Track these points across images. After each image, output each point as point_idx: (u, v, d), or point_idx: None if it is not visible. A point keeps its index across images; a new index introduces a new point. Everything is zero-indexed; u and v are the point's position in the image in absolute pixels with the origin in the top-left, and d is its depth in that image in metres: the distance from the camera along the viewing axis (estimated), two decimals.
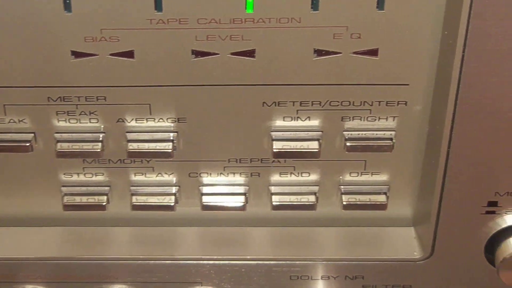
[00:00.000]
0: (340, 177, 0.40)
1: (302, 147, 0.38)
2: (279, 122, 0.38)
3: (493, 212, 0.38)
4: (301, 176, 0.40)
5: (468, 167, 0.37)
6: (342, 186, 0.40)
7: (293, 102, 0.37)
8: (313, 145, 0.38)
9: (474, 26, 0.32)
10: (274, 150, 0.38)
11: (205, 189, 0.41)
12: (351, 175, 0.39)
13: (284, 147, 0.38)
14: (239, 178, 0.40)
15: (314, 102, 0.37)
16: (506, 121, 0.35)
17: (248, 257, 0.41)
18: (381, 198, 0.39)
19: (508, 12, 0.32)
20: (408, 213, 0.41)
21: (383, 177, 0.40)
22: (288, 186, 0.40)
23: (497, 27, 0.32)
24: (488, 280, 0.40)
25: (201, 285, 0.42)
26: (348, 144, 0.38)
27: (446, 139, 0.36)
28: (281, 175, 0.40)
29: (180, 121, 0.38)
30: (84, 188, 0.41)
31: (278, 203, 0.40)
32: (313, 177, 0.40)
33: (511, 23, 0.32)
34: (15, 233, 0.42)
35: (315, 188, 0.40)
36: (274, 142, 0.38)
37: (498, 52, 0.33)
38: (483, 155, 0.36)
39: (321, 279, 0.41)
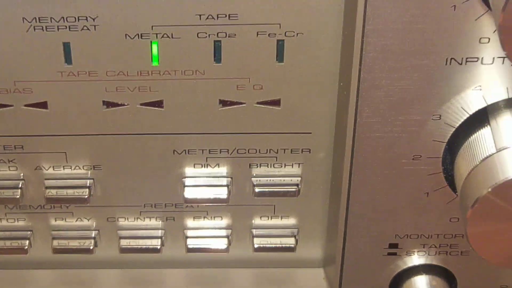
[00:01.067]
0: (252, 220, 0.40)
1: (211, 194, 0.38)
2: (189, 169, 0.38)
3: (394, 254, 0.38)
4: (214, 219, 0.40)
5: (367, 211, 0.37)
6: (253, 230, 0.40)
7: (202, 150, 0.38)
8: (223, 191, 0.38)
9: (365, 78, 0.33)
10: (186, 197, 0.38)
11: (123, 233, 0.40)
12: (262, 218, 0.40)
13: (195, 194, 0.38)
14: (155, 222, 0.40)
15: (222, 150, 0.38)
16: (400, 168, 0.35)
17: None
18: (291, 241, 0.40)
19: (394, 65, 0.33)
20: (318, 254, 0.41)
21: (291, 221, 0.40)
22: (201, 229, 0.40)
23: (386, 79, 0.33)
24: None
25: None
26: (256, 190, 0.38)
27: (345, 185, 0.37)
28: (195, 219, 0.40)
29: (95, 168, 0.38)
30: (7, 233, 0.40)
31: (192, 246, 0.40)
32: (225, 221, 0.40)
33: (398, 75, 0.33)
34: None
35: (228, 232, 0.40)
36: (185, 188, 0.38)
37: (388, 102, 0.34)
38: (381, 200, 0.37)
39: None
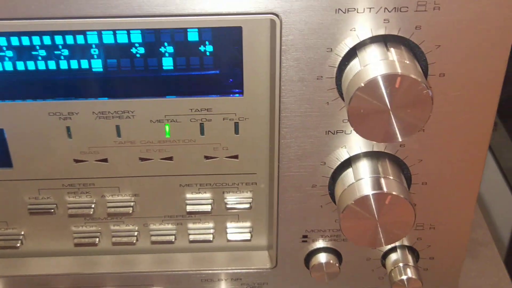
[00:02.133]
0: (225, 224, 0.43)
1: (201, 209, 0.42)
2: (189, 195, 0.41)
3: (306, 241, 0.42)
4: (204, 223, 0.43)
5: (289, 218, 0.41)
6: (227, 229, 0.43)
7: (196, 184, 0.41)
8: (208, 207, 0.42)
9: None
10: (188, 211, 0.41)
11: (152, 233, 0.43)
12: (231, 222, 0.43)
13: (193, 209, 0.42)
14: (171, 226, 0.43)
15: (207, 184, 0.41)
16: (306, 194, 0.40)
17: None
18: (247, 236, 0.43)
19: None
20: (264, 243, 0.44)
21: (248, 223, 0.43)
22: (197, 229, 0.43)
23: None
24: (310, 277, 0.43)
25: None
26: (227, 206, 0.42)
27: (275, 204, 0.41)
28: (194, 223, 0.43)
29: (136, 195, 0.41)
30: (85, 234, 0.43)
31: (193, 239, 0.43)
32: (211, 224, 0.43)
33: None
34: None
35: (212, 231, 0.43)
36: (187, 206, 0.41)
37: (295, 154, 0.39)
38: (296, 211, 0.41)
39: (218, 280, 0.44)
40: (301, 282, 0.45)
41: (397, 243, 0.43)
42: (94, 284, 0.44)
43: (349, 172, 0.39)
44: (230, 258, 0.45)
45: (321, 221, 0.42)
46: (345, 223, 0.37)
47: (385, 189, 0.36)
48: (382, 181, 0.37)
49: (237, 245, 0.45)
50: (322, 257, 0.42)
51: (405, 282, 0.41)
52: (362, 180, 0.37)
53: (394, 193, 0.36)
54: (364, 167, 0.38)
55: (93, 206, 0.42)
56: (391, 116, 0.33)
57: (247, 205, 0.42)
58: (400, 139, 0.33)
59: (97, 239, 0.43)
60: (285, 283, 0.45)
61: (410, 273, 0.42)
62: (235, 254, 0.45)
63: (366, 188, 0.36)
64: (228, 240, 0.44)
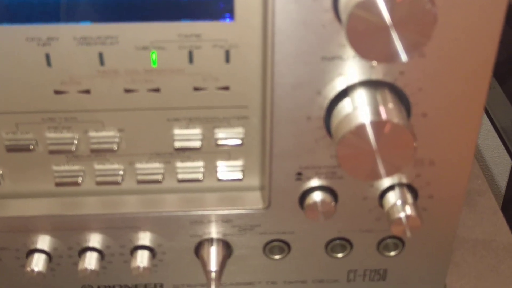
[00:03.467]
0: (216, 162, 0.42)
1: (191, 145, 0.41)
2: (178, 130, 0.40)
3: (300, 179, 0.42)
4: (194, 162, 0.42)
5: (282, 156, 0.40)
6: (217, 168, 0.43)
7: (186, 118, 0.40)
8: (198, 144, 0.41)
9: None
10: (175, 146, 0.41)
11: (138, 171, 0.42)
12: (222, 160, 0.43)
13: (182, 145, 0.41)
14: (159, 164, 0.42)
15: (198, 118, 0.40)
16: (301, 126, 0.39)
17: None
18: (239, 174, 0.43)
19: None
20: (257, 183, 0.44)
21: (240, 162, 0.42)
22: (187, 168, 0.42)
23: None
24: (304, 219, 0.43)
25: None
26: (218, 142, 0.41)
27: (269, 139, 0.40)
28: (183, 162, 0.42)
29: (121, 131, 0.40)
30: (68, 173, 0.42)
31: (181, 178, 0.42)
32: (201, 163, 0.42)
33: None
34: None
35: (202, 169, 0.42)
36: (175, 142, 0.41)
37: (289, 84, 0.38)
38: (290, 147, 0.40)
39: (208, 222, 0.43)
40: (295, 223, 0.44)
41: (395, 181, 0.43)
42: (77, 226, 0.43)
43: (346, 102, 0.38)
44: (221, 198, 0.44)
45: (316, 157, 0.41)
46: (342, 155, 0.36)
47: (383, 117, 0.35)
48: (381, 109, 0.36)
49: (228, 185, 0.44)
50: (317, 196, 0.42)
51: (403, 220, 0.41)
52: (359, 108, 0.36)
53: (393, 120, 0.36)
54: (361, 96, 0.37)
55: (75, 142, 0.41)
56: (392, 33, 0.32)
57: (239, 141, 0.41)
58: (403, 59, 0.32)
59: (80, 178, 0.42)
60: (278, 224, 0.44)
61: (408, 210, 0.41)
62: (226, 195, 0.44)
63: (364, 116, 0.35)
64: (219, 180, 0.43)
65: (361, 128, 0.35)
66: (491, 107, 0.90)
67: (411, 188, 0.43)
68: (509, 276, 0.53)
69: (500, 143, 0.88)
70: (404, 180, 0.42)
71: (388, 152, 0.37)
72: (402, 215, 0.41)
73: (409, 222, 0.41)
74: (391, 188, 0.42)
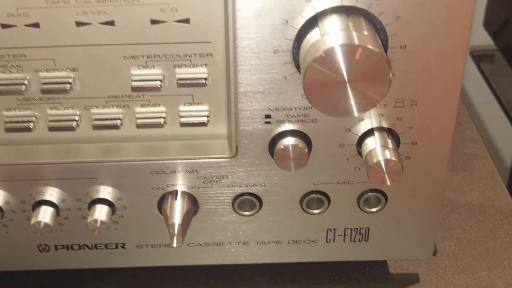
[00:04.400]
0: (178, 107, 0.40)
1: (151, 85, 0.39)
2: (135, 71, 0.38)
3: (269, 122, 0.39)
4: (154, 106, 0.40)
5: (249, 96, 0.38)
6: (180, 112, 0.40)
7: (143, 56, 0.38)
8: (157, 83, 0.38)
9: None
10: (133, 86, 0.38)
11: (94, 116, 0.39)
12: (185, 105, 0.40)
13: (141, 84, 0.38)
14: (117, 109, 0.39)
15: (155, 56, 0.37)
16: (266, 61, 0.36)
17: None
18: (204, 119, 0.40)
19: None
20: (224, 131, 0.41)
21: (205, 106, 0.40)
22: (146, 113, 0.39)
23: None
24: (274, 164, 0.40)
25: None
26: (179, 82, 0.38)
27: (234, 79, 0.37)
28: (142, 107, 0.40)
29: (75, 70, 0.38)
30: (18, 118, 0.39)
31: (141, 123, 0.39)
32: (162, 108, 0.39)
33: None
34: None
35: (163, 114, 0.40)
36: (133, 82, 0.38)
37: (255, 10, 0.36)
38: (257, 86, 0.37)
39: (170, 172, 0.41)
40: (265, 174, 0.41)
41: (374, 124, 0.40)
42: (30, 176, 0.41)
43: (315, 30, 0.35)
44: (184, 147, 0.41)
45: (286, 97, 0.38)
46: (309, 86, 0.34)
47: (356, 41, 0.33)
48: (353, 34, 0.33)
49: (192, 133, 0.41)
50: (288, 141, 0.39)
51: (382, 164, 0.38)
52: (329, 34, 0.33)
53: (366, 45, 0.33)
54: (333, 24, 0.34)
55: (25, 82, 0.38)
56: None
57: (202, 81, 0.38)
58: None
59: (32, 124, 0.40)
60: (247, 175, 0.41)
61: (388, 154, 0.38)
62: (190, 143, 0.41)
63: (334, 41, 0.33)
64: (182, 124, 0.40)
65: (329, 53, 0.32)
66: (496, 83, 0.88)
67: (392, 134, 0.40)
68: (508, 241, 0.49)
69: (506, 119, 0.86)
70: (385, 124, 0.39)
71: (360, 82, 0.34)
72: (380, 158, 0.38)
73: (389, 168, 0.38)
74: (370, 133, 0.40)
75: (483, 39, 0.91)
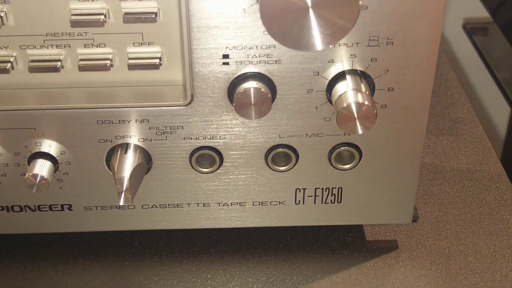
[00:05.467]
0: (127, 48, 0.36)
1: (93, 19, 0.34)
2: (74, 4, 0.34)
3: (227, 63, 0.35)
4: (99, 47, 0.36)
5: (203, 31, 0.34)
6: (128, 54, 0.36)
7: None
8: (101, 17, 0.34)
9: None
10: (72, 20, 0.34)
11: (31, 58, 0.35)
12: (134, 46, 0.36)
13: (80, 19, 0.34)
14: (57, 50, 0.36)
15: None
16: None
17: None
18: (155, 61, 0.36)
19: None
20: (179, 77, 0.37)
21: (157, 48, 0.36)
22: (90, 54, 0.36)
23: None
24: (235, 113, 0.36)
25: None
26: (126, 17, 0.34)
27: (186, 10, 0.33)
28: (85, 47, 0.36)
29: (6, 2, 0.34)
30: None
31: (83, 64, 0.35)
32: (108, 49, 0.35)
33: None
34: None
35: (110, 56, 0.36)
36: (72, 16, 0.34)
37: None
38: (212, 21, 0.34)
39: (119, 123, 0.37)
40: (225, 125, 0.37)
41: (345, 67, 0.35)
42: None
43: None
44: (134, 93, 0.37)
45: (246, 33, 0.34)
46: (267, 13, 0.30)
47: None
48: None
49: (143, 78, 0.37)
50: (249, 85, 0.35)
51: (353, 108, 0.34)
52: None
53: None
54: None
55: None
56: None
57: (152, 16, 0.34)
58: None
59: None
60: (205, 126, 0.37)
61: (360, 98, 0.34)
62: (141, 90, 0.37)
63: None
64: (130, 67, 0.36)
65: None
66: (489, 56, 0.85)
67: (366, 78, 0.36)
68: (495, 207, 0.46)
69: (499, 91, 0.83)
70: (357, 66, 0.35)
71: (325, 7, 0.30)
72: (351, 101, 0.33)
73: (360, 113, 0.34)
74: (341, 77, 0.36)
75: (476, 11, 0.88)
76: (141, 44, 0.36)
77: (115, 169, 0.37)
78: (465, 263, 0.41)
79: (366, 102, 0.34)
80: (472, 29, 0.93)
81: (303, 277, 0.41)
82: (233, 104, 0.35)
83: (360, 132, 0.34)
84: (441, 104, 0.57)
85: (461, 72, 0.86)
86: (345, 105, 0.34)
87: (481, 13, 0.86)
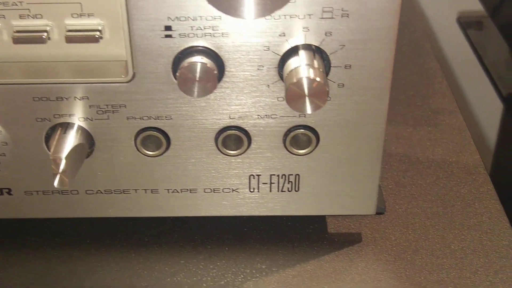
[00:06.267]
0: (64, 20, 0.33)
1: None
2: None
3: (170, 36, 0.33)
4: (36, 18, 0.33)
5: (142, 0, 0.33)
6: (66, 27, 0.33)
7: None
8: None
9: None
10: None
11: None
12: (72, 17, 0.33)
13: None
14: None
15: None
16: None
17: None
18: (97, 33, 0.33)
19: None
20: (122, 52, 0.34)
21: (97, 20, 0.33)
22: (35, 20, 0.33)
23: None
24: (183, 95, 0.34)
25: None
26: None
27: None
28: (21, 18, 0.33)
29: None
30: None
31: (17, 37, 0.33)
32: (44, 21, 0.33)
33: None
34: None
35: (45, 28, 0.33)
36: None
37: None
38: None
39: (57, 100, 0.34)
40: (170, 104, 0.35)
41: (298, 42, 0.33)
42: None
43: None
44: (73, 68, 0.34)
45: (188, 2, 0.31)
46: None
47: None
48: None
49: (84, 53, 0.34)
50: (196, 59, 0.32)
51: (303, 84, 0.31)
52: None
53: None
54: None
55: None
56: None
57: None
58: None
59: None
60: (149, 105, 0.35)
61: (312, 73, 0.31)
62: (80, 64, 0.35)
63: None
64: (68, 40, 0.33)
65: None
66: (483, 51, 0.83)
67: (321, 54, 0.33)
68: (469, 200, 0.43)
69: (491, 87, 0.81)
70: (311, 41, 0.33)
71: None
72: (302, 77, 0.31)
73: (310, 90, 0.31)
74: (293, 52, 0.33)
75: (471, 4, 0.85)
76: (80, 16, 0.34)
77: (52, 149, 0.35)
78: (432, 258, 0.38)
79: (318, 79, 0.31)
80: (466, 23, 0.90)
81: (257, 270, 0.38)
82: (178, 82, 0.33)
83: (309, 111, 0.32)
84: (421, 94, 0.55)
85: (449, 65, 0.83)
86: (294, 81, 0.31)
87: (477, 6, 0.84)
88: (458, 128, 0.50)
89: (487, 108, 0.86)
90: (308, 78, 0.31)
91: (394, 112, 0.52)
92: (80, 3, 0.33)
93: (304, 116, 0.36)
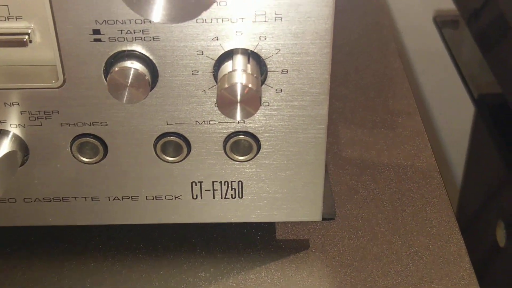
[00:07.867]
0: None
1: None
2: None
3: (99, 40, 0.31)
4: None
5: (68, 2, 0.32)
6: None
7: None
8: None
9: None
10: None
11: None
12: (0, 19, 0.32)
13: None
14: None
15: None
16: None
17: None
18: (23, 37, 0.32)
19: None
20: (50, 57, 0.32)
21: (24, 23, 0.32)
22: None
23: None
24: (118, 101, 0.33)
25: None
26: None
27: None
28: None
29: None
30: None
31: None
32: None
33: None
34: None
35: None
36: None
37: None
38: None
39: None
40: (105, 110, 0.33)
41: (231, 46, 0.31)
42: None
43: None
44: (2, 74, 0.33)
45: (116, 4, 0.30)
46: None
47: None
48: None
49: (13, 58, 0.33)
50: (127, 63, 0.31)
51: (236, 90, 0.30)
52: None
53: None
54: None
55: None
56: None
57: None
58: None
59: None
60: (83, 111, 0.33)
61: (244, 79, 0.30)
62: (10, 70, 0.33)
63: None
64: None
65: None
66: (457, 51, 0.82)
67: (258, 59, 0.32)
68: (421, 204, 0.42)
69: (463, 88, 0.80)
70: (245, 45, 0.31)
71: None
72: (233, 83, 0.29)
73: (242, 96, 0.30)
74: (227, 57, 0.31)
75: (448, 3, 0.84)
76: (8, 19, 0.32)
77: None
78: (379, 265, 0.37)
79: (250, 85, 0.30)
80: (442, 22, 0.90)
81: (200, 279, 0.37)
82: (108, 87, 0.32)
83: (239, 118, 0.30)
84: (381, 96, 0.54)
85: (421, 66, 0.82)
86: (226, 86, 0.30)
87: (453, 5, 0.83)
88: (416, 131, 0.49)
89: (458, 110, 0.85)
90: (240, 85, 0.30)
91: (353, 114, 0.51)
92: (6, 5, 0.32)
93: (244, 122, 0.35)
